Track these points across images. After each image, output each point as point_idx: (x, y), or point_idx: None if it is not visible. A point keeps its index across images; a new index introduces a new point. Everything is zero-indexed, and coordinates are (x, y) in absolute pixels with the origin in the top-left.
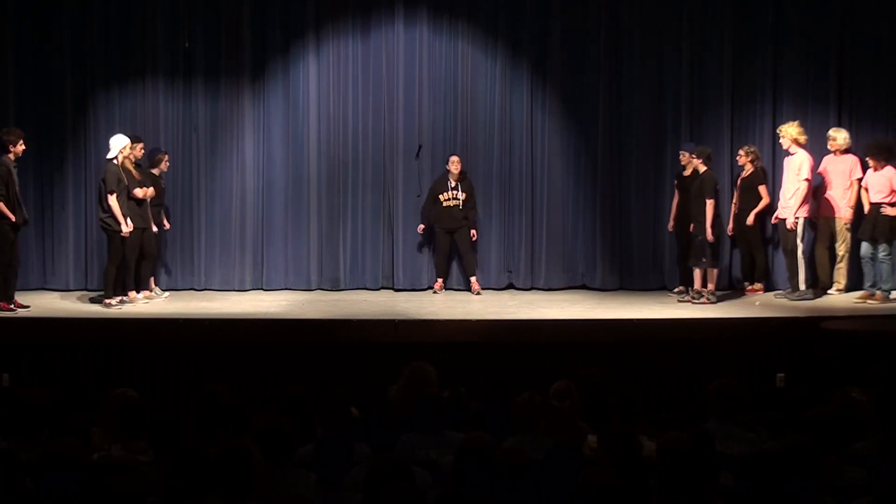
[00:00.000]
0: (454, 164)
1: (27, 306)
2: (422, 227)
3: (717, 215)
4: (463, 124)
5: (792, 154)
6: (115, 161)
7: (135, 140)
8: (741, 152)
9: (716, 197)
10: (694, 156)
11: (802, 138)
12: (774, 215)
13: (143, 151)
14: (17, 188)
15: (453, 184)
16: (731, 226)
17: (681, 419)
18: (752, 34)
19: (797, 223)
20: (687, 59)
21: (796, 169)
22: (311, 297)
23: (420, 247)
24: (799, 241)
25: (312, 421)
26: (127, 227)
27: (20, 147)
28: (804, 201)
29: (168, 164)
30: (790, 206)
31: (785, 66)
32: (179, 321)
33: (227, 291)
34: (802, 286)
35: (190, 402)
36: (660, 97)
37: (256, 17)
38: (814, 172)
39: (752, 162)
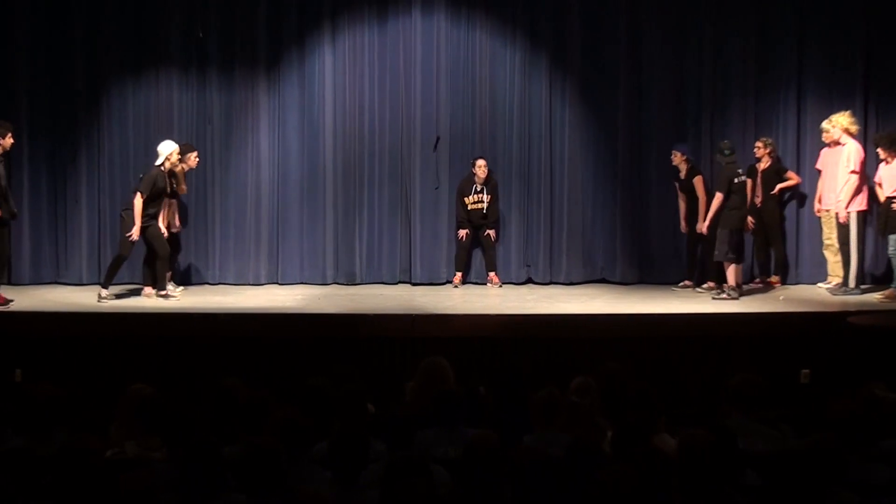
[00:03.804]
0: (480, 168)
1: (11, 300)
2: (463, 232)
3: (735, 208)
4: (481, 115)
5: (841, 145)
6: (161, 167)
7: (189, 149)
8: (759, 144)
9: (728, 191)
10: (684, 157)
11: (854, 128)
12: (817, 207)
13: (197, 160)
14: (5, 182)
15: (479, 187)
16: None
17: (702, 415)
18: (775, 24)
19: (849, 217)
20: (709, 50)
21: (845, 160)
22: (327, 292)
23: (438, 240)
24: (853, 236)
25: (328, 417)
26: (135, 233)
27: (8, 140)
28: (855, 194)
29: (198, 160)
30: (842, 200)
31: (810, 56)
32: (194, 316)
33: (241, 286)
34: (852, 283)
35: (205, 398)
36: (681, 88)
37: (271, 6)
38: (863, 164)
39: (769, 154)
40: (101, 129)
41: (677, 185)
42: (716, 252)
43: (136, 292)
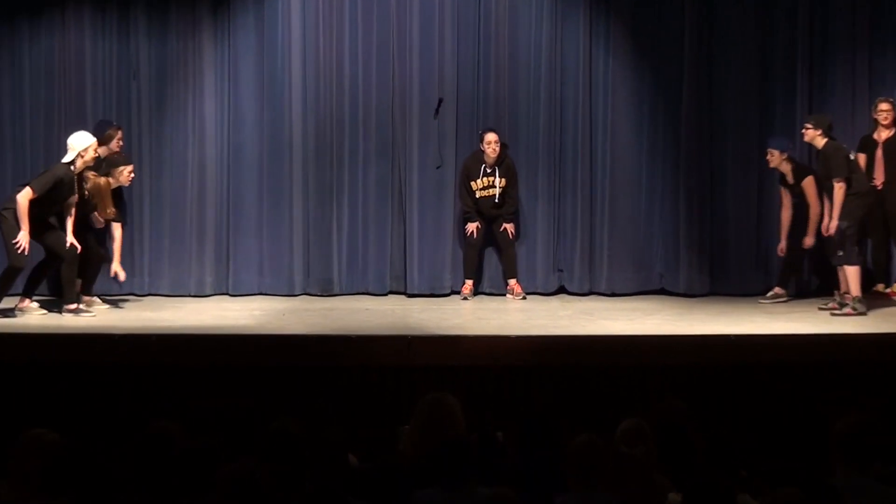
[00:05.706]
0: (490, 145)
1: None
2: (472, 227)
3: (857, 194)
4: (498, 72)
5: None
6: (72, 166)
7: (108, 125)
8: (884, 106)
9: (849, 175)
10: (784, 155)
11: None
12: None
13: (122, 143)
14: None
15: (489, 168)
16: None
17: (797, 471)
18: None
19: None
20: None
21: None
22: (295, 306)
23: (441, 237)
24: None
25: (297, 472)
26: (23, 241)
27: None
28: None
29: (122, 142)
30: None
31: None
32: (115, 338)
33: (180, 298)
34: None
35: (130, 447)
36: (766, 36)
37: None
38: None
39: (894, 120)
40: None
41: (786, 190)
42: (839, 253)
43: (45, 307)
